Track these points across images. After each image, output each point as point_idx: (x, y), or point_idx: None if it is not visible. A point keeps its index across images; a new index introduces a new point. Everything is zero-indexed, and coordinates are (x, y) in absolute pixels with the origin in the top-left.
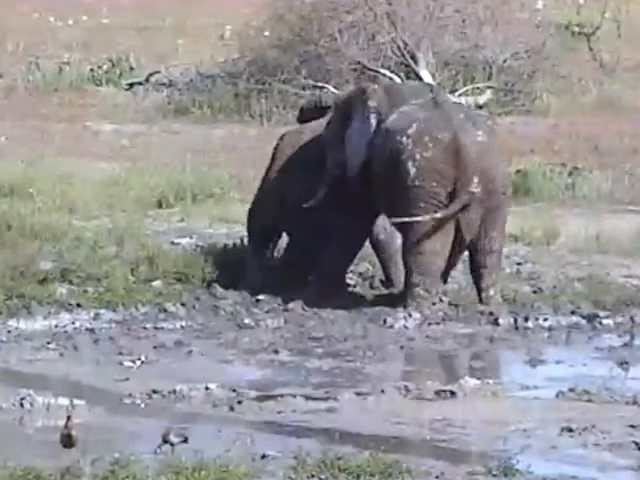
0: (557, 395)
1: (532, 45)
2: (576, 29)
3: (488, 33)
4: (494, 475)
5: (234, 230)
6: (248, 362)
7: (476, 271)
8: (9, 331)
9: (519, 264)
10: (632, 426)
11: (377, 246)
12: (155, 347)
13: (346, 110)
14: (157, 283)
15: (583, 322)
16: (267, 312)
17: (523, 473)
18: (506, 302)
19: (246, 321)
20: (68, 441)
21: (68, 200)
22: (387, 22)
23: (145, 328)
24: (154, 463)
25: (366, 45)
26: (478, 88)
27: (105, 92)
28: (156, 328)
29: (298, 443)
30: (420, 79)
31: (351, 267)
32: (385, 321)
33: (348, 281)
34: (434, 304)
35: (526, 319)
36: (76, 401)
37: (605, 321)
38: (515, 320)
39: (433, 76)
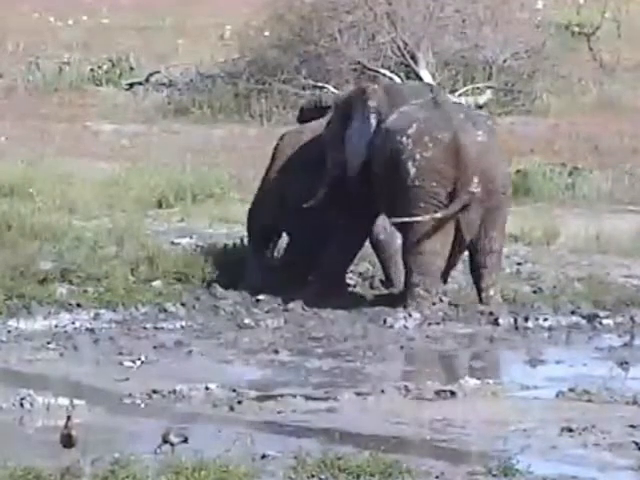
0: (557, 395)
1: (532, 45)
2: (576, 29)
3: (488, 33)
4: (494, 475)
5: (234, 230)
6: (248, 362)
7: (476, 271)
8: (9, 331)
9: (519, 264)
10: (632, 426)
11: (377, 246)
12: (155, 347)
13: (346, 110)
14: (157, 283)
15: (583, 322)
16: (267, 312)
17: (523, 473)
18: (506, 302)
19: (246, 321)
20: (68, 441)
21: (68, 200)
22: (387, 22)
23: (145, 328)
24: (154, 463)
25: (366, 45)
26: (478, 88)
27: (105, 92)
28: (156, 328)
29: (298, 443)
30: (420, 79)
31: (351, 267)
32: (385, 321)
33: (348, 281)
34: (434, 304)
35: (526, 319)
36: (76, 401)
37: (605, 321)
38: (515, 320)
39: (433, 76)
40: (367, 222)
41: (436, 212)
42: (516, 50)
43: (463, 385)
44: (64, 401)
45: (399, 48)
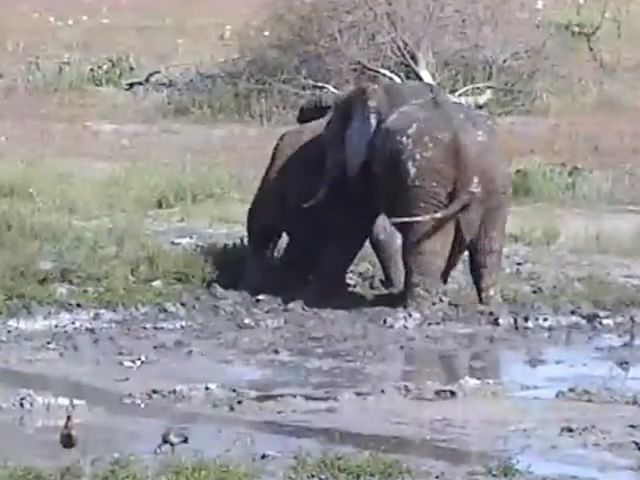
0: (557, 395)
1: (532, 45)
2: (576, 29)
3: (488, 33)
4: (494, 475)
5: (234, 230)
6: (248, 362)
7: (476, 271)
8: (9, 331)
9: (519, 264)
10: (632, 426)
11: (377, 246)
12: (155, 347)
13: (346, 110)
14: (157, 283)
15: (583, 322)
16: (267, 312)
17: (523, 473)
18: (506, 302)
19: (246, 321)
20: (68, 441)
21: (68, 200)
22: (387, 22)
23: (145, 328)
24: (154, 463)
25: (366, 45)
26: (478, 88)
27: (105, 92)
28: (156, 328)
29: (298, 443)
30: (420, 79)
31: (351, 267)
32: (385, 321)
33: (348, 281)
34: (434, 304)
35: (526, 319)
36: (76, 401)
37: (605, 321)
38: (515, 320)
39: (433, 76)
40: (367, 222)
41: (436, 212)
42: (516, 50)
43: (463, 385)
44: (64, 401)
45: (399, 48)
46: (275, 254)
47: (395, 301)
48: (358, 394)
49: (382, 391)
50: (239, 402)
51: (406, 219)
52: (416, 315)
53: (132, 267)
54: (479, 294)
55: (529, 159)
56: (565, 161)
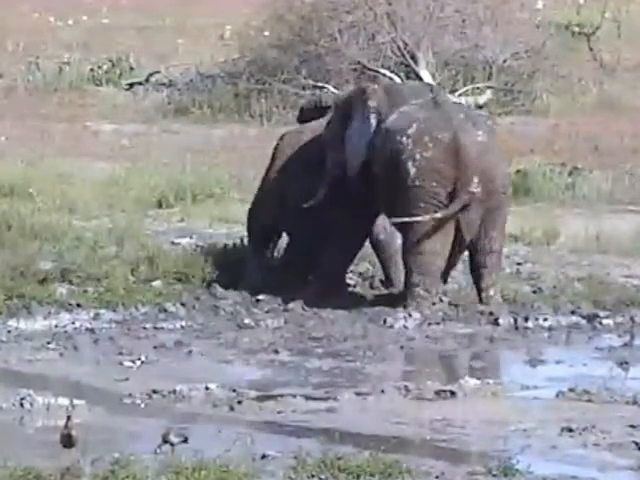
0: (557, 395)
1: (532, 45)
2: (576, 29)
3: (488, 33)
4: (494, 475)
5: (234, 230)
6: (248, 362)
7: (476, 271)
8: (9, 331)
9: (519, 264)
10: (632, 426)
11: (377, 246)
12: (155, 347)
13: (346, 110)
14: (157, 283)
15: (583, 322)
16: (267, 312)
17: (523, 473)
18: (506, 302)
19: (246, 321)
20: (68, 441)
21: (68, 200)
22: (387, 22)
23: (145, 328)
24: (154, 463)
25: (366, 45)
26: (478, 88)
27: (105, 92)
28: (156, 328)
29: (298, 443)
30: (420, 79)
31: (351, 267)
32: (385, 321)
33: (348, 281)
34: (434, 304)
35: (526, 319)
36: (76, 401)
37: (605, 321)
38: (515, 320)
39: (433, 76)
40: (367, 222)
41: (436, 212)
42: (516, 50)
43: (463, 385)
44: (64, 401)
45: (399, 48)
46: (275, 254)
47: (395, 301)
48: (358, 394)
49: (382, 391)
50: (239, 402)
51: (406, 219)
52: (416, 315)
53: (132, 267)
54: (479, 294)
55: (529, 159)
56: (565, 161)
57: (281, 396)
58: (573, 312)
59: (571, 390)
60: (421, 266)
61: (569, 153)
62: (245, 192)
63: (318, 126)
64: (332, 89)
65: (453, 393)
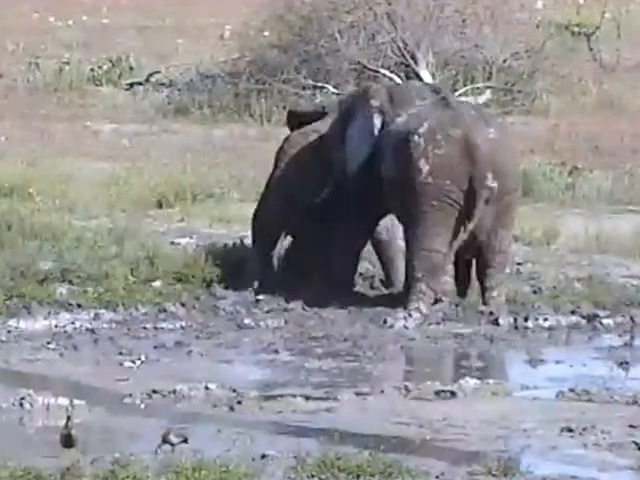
0: (557, 395)
1: (532, 45)
2: (576, 29)
3: (488, 33)
4: (494, 475)
5: (234, 230)
6: (248, 362)
7: (482, 270)
8: (9, 331)
9: (519, 264)
10: (632, 426)
11: (378, 246)
12: (155, 347)
13: (349, 110)
14: (157, 283)
15: (583, 322)
16: (267, 312)
17: (523, 473)
18: (506, 302)
19: (246, 321)
20: (68, 441)
21: (68, 200)
22: (387, 22)
23: (145, 328)
24: (154, 463)
25: (366, 45)
26: (478, 88)
27: (105, 92)
28: (156, 328)
29: (298, 443)
30: (420, 79)
31: None
32: (385, 321)
33: None
34: (435, 302)
35: (526, 319)
36: (76, 401)
37: (605, 321)
38: (515, 320)
39: (433, 76)
40: (371, 222)
41: (467, 223)
42: (516, 50)
43: (463, 385)
44: (64, 401)
45: (399, 48)
46: (276, 254)
47: (395, 301)
48: (358, 394)
49: (382, 391)
50: (239, 402)
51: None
52: (416, 315)
53: (132, 267)
54: (483, 293)
55: (529, 159)
56: (565, 161)
57: (281, 396)
58: (573, 312)
59: (571, 390)
60: (425, 263)
61: (569, 153)
62: (245, 192)
63: (323, 127)
64: (332, 89)
65: (453, 393)
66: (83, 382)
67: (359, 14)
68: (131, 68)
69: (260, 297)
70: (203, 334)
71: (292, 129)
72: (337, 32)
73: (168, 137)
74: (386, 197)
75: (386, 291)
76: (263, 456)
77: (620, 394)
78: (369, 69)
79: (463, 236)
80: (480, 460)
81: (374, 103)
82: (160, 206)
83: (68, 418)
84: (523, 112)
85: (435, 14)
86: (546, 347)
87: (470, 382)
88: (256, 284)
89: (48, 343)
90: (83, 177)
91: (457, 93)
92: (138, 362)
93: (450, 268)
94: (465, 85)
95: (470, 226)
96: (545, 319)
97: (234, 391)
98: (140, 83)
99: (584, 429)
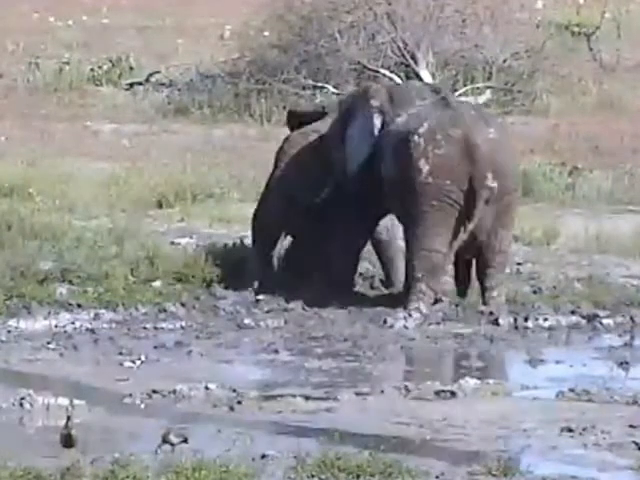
0: (557, 395)
1: (532, 45)
2: (576, 29)
3: (488, 33)
4: (494, 475)
5: (234, 230)
6: (248, 362)
7: (482, 270)
8: (9, 331)
9: (519, 264)
10: (632, 426)
11: (378, 246)
12: (155, 347)
13: (349, 110)
14: (157, 283)
15: (583, 322)
16: (267, 312)
17: (523, 473)
18: (506, 302)
19: (246, 321)
20: (68, 441)
21: (68, 200)
22: (387, 22)
23: (145, 328)
24: (154, 463)
25: (366, 45)
26: (478, 88)
27: (105, 92)
28: (156, 328)
29: (298, 443)
30: (420, 79)
31: None
32: (385, 321)
33: None
34: (435, 302)
35: (526, 319)
36: (76, 401)
37: (605, 321)
38: (515, 320)
39: (433, 76)
40: (370, 222)
41: (466, 223)
42: (516, 50)
43: (463, 385)
44: (64, 401)
45: (399, 48)
46: (275, 254)
47: (395, 301)
48: (358, 394)
49: (382, 391)
50: (239, 402)
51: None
52: (416, 315)
53: (132, 267)
54: (483, 293)
55: (529, 159)
56: (565, 161)
57: (281, 396)
58: (573, 312)
59: (571, 390)
60: (425, 263)
61: (569, 153)
62: (245, 192)
63: (323, 127)
64: (332, 89)
65: (453, 393)
66: (83, 382)
67: (359, 14)
68: (131, 68)
69: (260, 297)
70: (203, 334)
71: (292, 129)
72: (337, 32)
73: (168, 137)
74: (386, 197)
75: (386, 291)
76: (263, 456)
77: (620, 394)
78: (369, 69)
79: (463, 236)
80: (480, 460)
81: (374, 103)
82: (160, 206)
83: (68, 418)
84: (523, 112)
85: (435, 14)
86: (546, 347)
87: (470, 382)
88: (256, 284)
89: (48, 343)
90: (83, 177)
91: (457, 93)
92: (138, 362)
93: (450, 268)
94: (465, 85)
95: (470, 226)
96: (545, 319)
97: (234, 391)
98: (140, 83)
99: (584, 429)
